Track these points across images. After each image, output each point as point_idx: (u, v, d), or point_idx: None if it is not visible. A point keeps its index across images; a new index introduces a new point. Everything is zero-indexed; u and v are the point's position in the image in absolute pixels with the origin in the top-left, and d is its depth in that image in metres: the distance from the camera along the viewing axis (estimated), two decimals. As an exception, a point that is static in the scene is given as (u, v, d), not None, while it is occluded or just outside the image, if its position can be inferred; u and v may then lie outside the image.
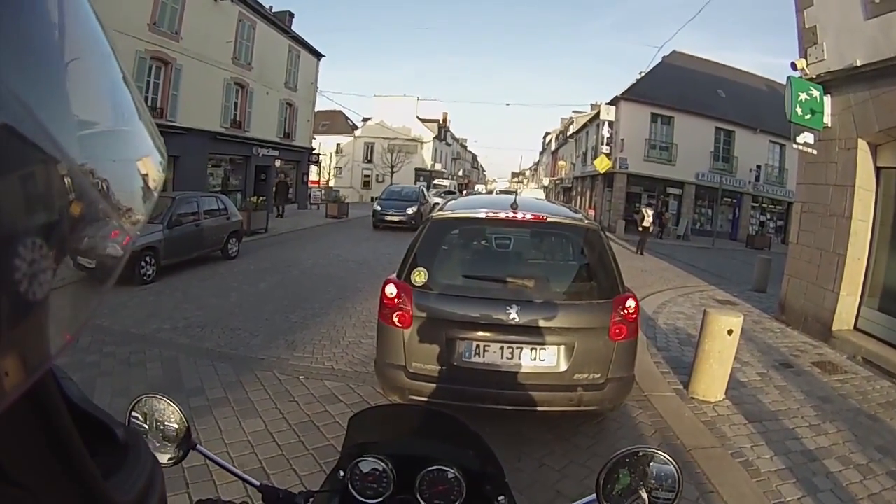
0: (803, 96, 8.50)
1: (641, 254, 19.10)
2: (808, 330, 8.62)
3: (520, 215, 4.54)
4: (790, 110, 8.54)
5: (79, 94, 0.40)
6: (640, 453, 1.21)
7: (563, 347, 4.19)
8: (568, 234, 5.18)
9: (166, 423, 1.31)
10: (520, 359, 4.18)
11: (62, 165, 0.35)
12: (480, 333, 4.19)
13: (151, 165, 0.50)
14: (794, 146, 8.98)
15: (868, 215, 8.11)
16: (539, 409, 4.20)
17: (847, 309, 8.18)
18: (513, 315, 4.10)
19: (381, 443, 1.45)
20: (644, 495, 1.19)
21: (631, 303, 4.34)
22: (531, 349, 4.19)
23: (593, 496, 1.20)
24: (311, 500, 1.35)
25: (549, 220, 4.74)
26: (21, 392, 0.33)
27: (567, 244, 5.32)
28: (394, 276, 4.46)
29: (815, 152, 8.75)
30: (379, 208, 22.99)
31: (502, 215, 4.58)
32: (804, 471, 4.31)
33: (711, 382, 5.59)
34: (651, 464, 1.20)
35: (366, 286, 10.43)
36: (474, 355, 4.19)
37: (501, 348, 4.19)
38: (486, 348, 4.20)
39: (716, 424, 5.08)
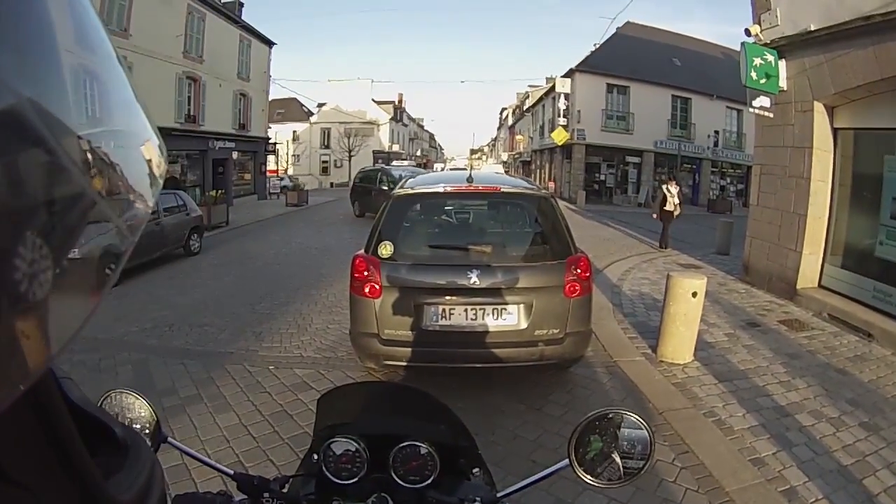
0: (758, 61, 8.58)
1: (664, 247, 13.91)
2: (772, 289, 8.79)
3: (475, 187, 4.95)
4: (745, 75, 8.62)
5: (84, 82, 0.42)
6: (610, 415, 1.20)
7: (522, 306, 4.52)
8: (522, 203, 5.50)
9: (136, 418, 1.29)
10: (483, 319, 4.52)
11: (83, 142, 0.37)
12: (445, 298, 4.51)
13: (154, 150, 0.52)
14: (750, 110, 9.06)
15: (827, 176, 8.26)
16: (505, 364, 4.56)
17: (810, 267, 8.35)
18: (473, 279, 4.42)
19: (352, 423, 1.45)
20: (617, 459, 1.19)
21: (583, 262, 4.65)
22: (493, 309, 4.51)
23: (566, 461, 1.20)
24: (286, 484, 1.35)
25: (503, 190, 5.21)
26: (41, 371, 0.33)
27: (522, 212, 5.62)
28: (362, 251, 4.75)
29: (771, 115, 8.85)
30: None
31: (459, 188, 5.01)
32: (777, 426, 4.41)
33: (679, 345, 5.68)
34: (622, 425, 1.20)
35: (330, 272, 10.44)
36: (441, 319, 4.52)
37: (465, 310, 4.52)
38: (452, 311, 4.52)
39: (686, 386, 5.17)
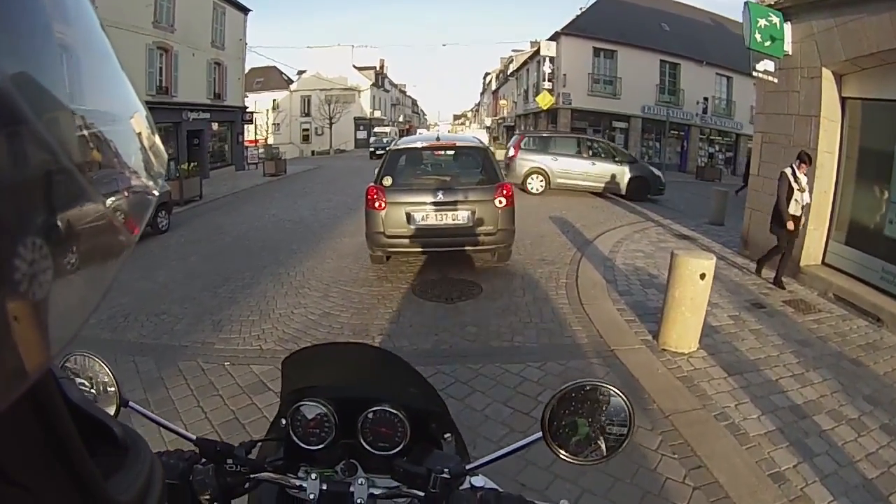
0: (762, 22, 8.02)
1: (782, 285, 7.46)
2: (774, 265, 8.30)
3: (441, 143, 8.29)
4: (748, 37, 8.05)
5: (71, 56, 0.40)
6: (587, 387, 1.13)
7: (469, 212, 7.30)
8: (471, 152, 8.46)
9: (97, 381, 1.28)
10: (446, 220, 7.31)
11: (78, 118, 0.37)
12: (424, 207, 7.27)
13: (143, 123, 0.50)
14: (754, 74, 8.50)
15: (834, 147, 7.76)
16: (461, 248, 7.47)
17: (815, 244, 7.91)
18: (440, 196, 7.25)
19: (320, 386, 1.42)
20: (594, 434, 1.13)
21: (507, 187, 7.45)
22: (451, 214, 7.30)
23: (539, 434, 1.14)
24: (253, 449, 1.29)
25: (458, 144, 8.54)
26: (41, 371, 0.33)
27: (470, 158, 8.53)
28: (372, 183, 7.48)
29: (775, 81, 8.32)
30: None
31: (432, 143, 8.31)
32: (795, 431, 3.96)
33: (684, 332, 5.20)
34: (599, 398, 1.13)
35: (301, 247, 9.93)
36: (422, 220, 7.28)
37: (436, 214, 7.29)
38: (427, 216, 7.29)
39: (693, 380, 4.69)
